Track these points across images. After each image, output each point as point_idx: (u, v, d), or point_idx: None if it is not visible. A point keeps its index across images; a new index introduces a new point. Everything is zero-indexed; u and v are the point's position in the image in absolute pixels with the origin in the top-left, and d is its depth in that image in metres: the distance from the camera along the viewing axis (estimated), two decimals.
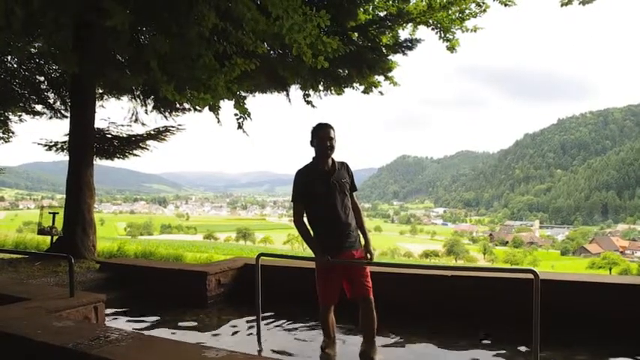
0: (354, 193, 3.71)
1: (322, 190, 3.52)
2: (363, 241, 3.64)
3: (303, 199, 3.58)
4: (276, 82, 8.56)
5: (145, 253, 9.94)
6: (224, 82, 6.41)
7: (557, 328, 3.62)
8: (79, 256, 7.40)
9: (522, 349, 3.55)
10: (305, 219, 3.63)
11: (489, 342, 3.77)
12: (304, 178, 3.58)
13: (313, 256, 3.54)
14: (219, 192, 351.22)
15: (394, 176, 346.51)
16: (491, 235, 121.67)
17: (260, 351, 3.68)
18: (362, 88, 8.91)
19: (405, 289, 3.56)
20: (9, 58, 8.95)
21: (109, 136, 9.55)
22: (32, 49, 8.19)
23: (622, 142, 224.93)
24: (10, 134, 11.38)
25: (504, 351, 3.61)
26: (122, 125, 9.65)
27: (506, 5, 7.65)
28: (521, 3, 7.99)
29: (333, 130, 3.53)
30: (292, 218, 3.70)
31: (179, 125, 9.92)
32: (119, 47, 6.51)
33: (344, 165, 3.65)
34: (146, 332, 2.88)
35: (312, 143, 3.56)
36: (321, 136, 3.49)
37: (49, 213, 8.85)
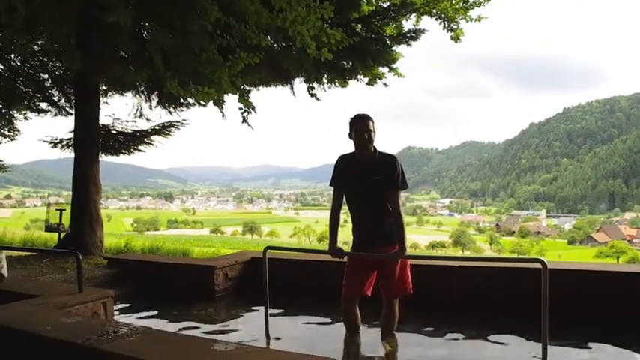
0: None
1: (352, 183, 3.47)
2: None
3: (338, 184, 3.54)
4: (280, 75, 8.53)
5: (152, 249, 9.97)
6: (228, 76, 6.39)
7: (566, 316, 3.60)
8: (87, 253, 7.43)
9: (531, 338, 3.53)
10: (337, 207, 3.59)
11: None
12: (341, 166, 3.53)
13: (318, 249, 3.52)
14: (225, 186, 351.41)
15: None
16: (497, 225, 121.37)
17: (268, 343, 3.69)
18: (366, 79, 8.85)
19: (413, 280, 3.57)
20: (13, 56, 8.97)
21: (114, 132, 9.59)
22: (35, 47, 8.21)
23: (629, 131, 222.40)
24: (16, 132, 11.43)
25: (513, 340, 3.60)
26: (127, 121, 9.71)
27: None
28: None
29: (372, 121, 3.39)
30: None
31: (183, 120, 9.97)
32: (122, 43, 6.51)
33: (389, 160, 3.43)
34: (155, 326, 2.89)
35: (350, 136, 3.43)
36: (358, 129, 3.36)
37: (57, 210, 8.88)
